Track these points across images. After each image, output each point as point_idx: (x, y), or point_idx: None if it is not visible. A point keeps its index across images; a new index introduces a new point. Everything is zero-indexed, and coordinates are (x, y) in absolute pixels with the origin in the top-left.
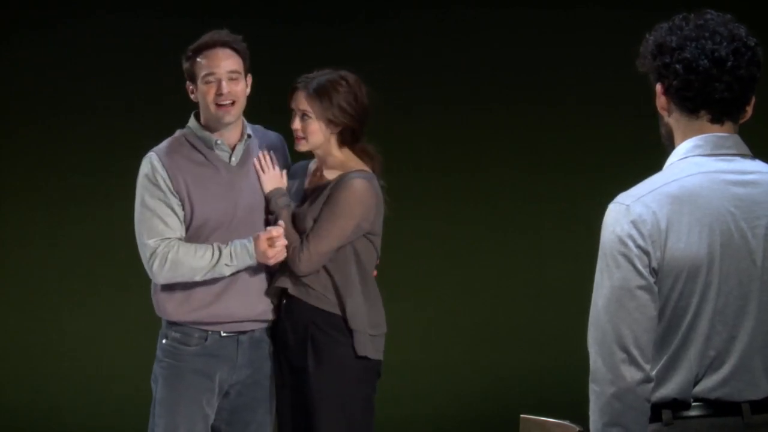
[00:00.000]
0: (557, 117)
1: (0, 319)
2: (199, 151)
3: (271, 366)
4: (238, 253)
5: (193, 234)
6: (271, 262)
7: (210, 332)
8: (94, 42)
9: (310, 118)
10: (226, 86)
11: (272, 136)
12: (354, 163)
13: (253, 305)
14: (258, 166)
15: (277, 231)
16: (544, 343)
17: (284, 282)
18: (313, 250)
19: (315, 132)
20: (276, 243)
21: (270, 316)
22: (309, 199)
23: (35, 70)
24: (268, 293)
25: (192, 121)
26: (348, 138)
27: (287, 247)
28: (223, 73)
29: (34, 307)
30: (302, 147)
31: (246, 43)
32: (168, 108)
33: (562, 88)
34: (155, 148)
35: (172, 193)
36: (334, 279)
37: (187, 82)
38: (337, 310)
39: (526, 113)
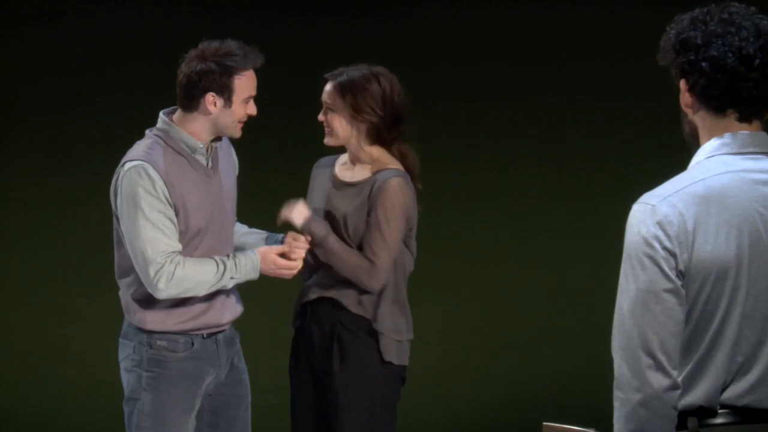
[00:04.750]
0: (579, 113)
1: (4, 323)
2: (182, 155)
3: (242, 357)
4: (242, 266)
5: (187, 244)
6: (283, 274)
7: (194, 336)
8: (97, 36)
9: (334, 112)
10: (255, 107)
11: (224, 138)
12: (387, 159)
13: (234, 307)
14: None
15: (302, 246)
16: (566, 347)
17: (314, 293)
18: (383, 264)
19: (338, 126)
20: (293, 256)
21: (240, 313)
22: (339, 193)
23: (36, 65)
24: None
25: (168, 123)
26: (376, 136)
27: (356, 268)
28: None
29: (38, 310)
30: (327, 141)
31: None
32: (175, 103)
33: (583, 84)
34: (138, 156)
35: (169, 203)
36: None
37: (211, 93)
38: (365, 313)
39: (546, 109)
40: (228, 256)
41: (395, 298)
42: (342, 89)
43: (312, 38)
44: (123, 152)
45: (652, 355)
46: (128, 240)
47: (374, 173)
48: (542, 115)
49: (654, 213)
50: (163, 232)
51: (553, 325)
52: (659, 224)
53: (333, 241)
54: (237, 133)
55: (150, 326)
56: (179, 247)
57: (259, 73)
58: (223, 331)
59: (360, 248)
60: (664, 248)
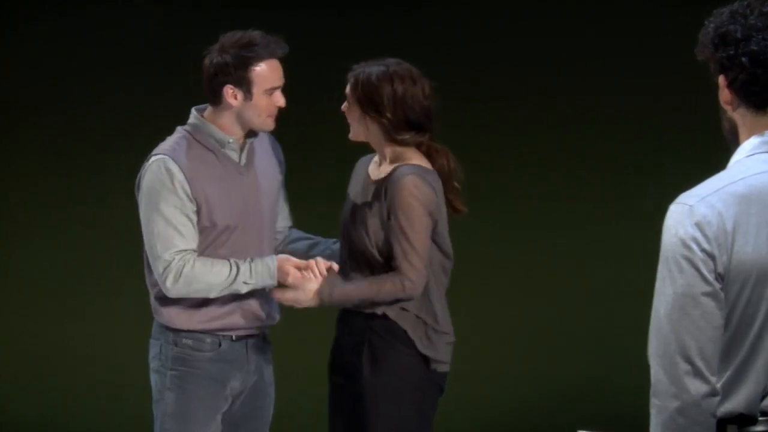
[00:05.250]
0: (610, 109)
1: (8, 326)
2: (211, 150)
3: (272, 371)
4: (258, 272)
5: (213, 241)
6: (294, 285)
7: (222, 337)
8: (99, 33)
9: (349, 106)
10: (284, 99)
11: (262, 134)
12: (408, 156)
13: (264, 311)
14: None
15: (314, 281)
16: (600, 351)
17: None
18: (417, 271)
19: (353, 121)
20: (313, 273)
21: (275, 319)
22: (365, 192)
23: (38, 63)
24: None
25: (198, 119)
26: (391, 133)
27: (391, 294)
28: (282, 85)
29: (37, 311)
30: (349, 135)
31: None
32: (177, 103)
33: (612, 78)
34: (163, 150)
35: (189, 199)
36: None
37: (229, 86)
38: (397, 317)
39: (573, 106)
40: (246, 259)
41: (429, 299)
42: (355, 83)
43: (312, 36)
44: (124, 151)
45: (690, 360)
46: (144, 235)
47: (391, 171)
48: (571, 112)
49: (692, 213)
50: (175, 228)
51: (586, 328)
52: (697, 225)
53: (353, 290)
54: (267, 125)
55: (176, 324)
56: (193, 245)
57: (284, 63)
58: (254, 336)
59: (380, 250)
60: (703, 250)
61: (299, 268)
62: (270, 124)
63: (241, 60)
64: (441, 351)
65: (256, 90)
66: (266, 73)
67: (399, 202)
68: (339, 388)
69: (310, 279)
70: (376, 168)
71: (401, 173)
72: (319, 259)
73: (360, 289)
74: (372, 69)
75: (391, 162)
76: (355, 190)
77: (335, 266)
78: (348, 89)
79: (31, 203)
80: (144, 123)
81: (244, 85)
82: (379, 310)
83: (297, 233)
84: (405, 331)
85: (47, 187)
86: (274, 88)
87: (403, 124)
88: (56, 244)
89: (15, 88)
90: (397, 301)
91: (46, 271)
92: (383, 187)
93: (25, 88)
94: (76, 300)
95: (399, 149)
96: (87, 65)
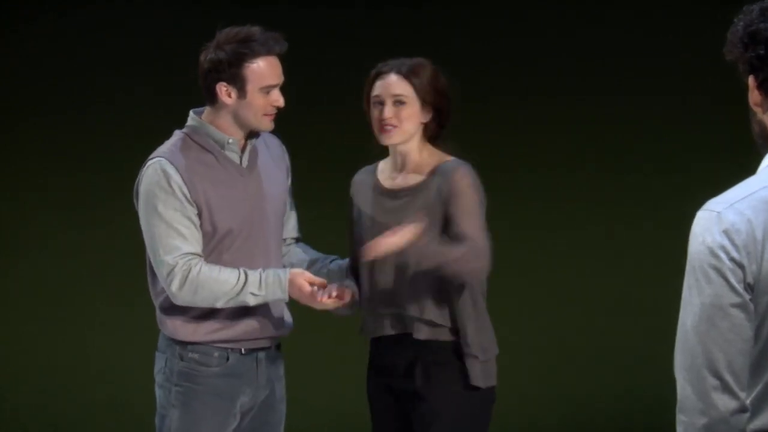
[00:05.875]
0: (637, 110)
1: (11, 334)
2: (210, 152)
3: (284, 386)
4: (269, 283)
5: (216, 246)
6: (309, 303)
7: (230, 350)
8: (99, 33)
9: (405, 103)
10: (282, 99)
11: (268, 137)
12: (441, 154)
13: (276, 320)
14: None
15: (329, 303)
16: (626, 366)
17: (391, 327)
18: (485, 243)
19: (410, 117)
20: (329, 294)
21: (288, 331)
22: (398, 202)
23: (38, 63)
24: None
25: (196, 120)
26: (433, 128)
27: (460, 259)
28: (279, 84)
29: (42, 319)
30: (394, 137)
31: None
32: (177, 103)
33: (642, 79)
34: (160, 153)
35: (188, 201)
36: (452, 304)
37: (223, 83)
38: (448, 336)
39: (602, 106)
40: (256, 270)
41: (474, 309)
42: (413, 74)
43: (312, 36)
44: (124, 151)
45: (718, 375)
46: (145, 240)
47: (434, 169)
48: (599, 112)
49: (720, 221)
50: (177, 231)
51: (612, 343)
52: (725, 233)
53: (428, 247)
54: (264, 126)
55: (181, 336)
56: (197, 249)
57: (284, 60)
58: (265, 348)
59: None
60: (731, 259)
61: (313, 284)
62: (268, 124)
63: (235, 56)
64: (490, 372)
65: (251, 88)
66: (261, 70)
67: (463, 188)
68: (389, 412)
69: (321, 301)
70: (397, 176)
71: (455, 164)
72: (335, 286)
73: (434, 243)
74: (409, 61)
75: (424, 165)
76: (372, 206)
77: (349, 295)
78: (396, 87)
79: (32, 203)
80: (144, 123)
81: (238, 82)
82: (432, 335)
83: (298, 252)
84: (455, 344)
85: (48, 187)
86: (270, 86)
87: (447, 120)
88: (56, 243)
89: (15, 88)
90: (464, 274)
91: (48, 277)
92: (434, 185)
93: (25, 88)
94: (80, 307)
95: (429, 149)
96: (87, 65)
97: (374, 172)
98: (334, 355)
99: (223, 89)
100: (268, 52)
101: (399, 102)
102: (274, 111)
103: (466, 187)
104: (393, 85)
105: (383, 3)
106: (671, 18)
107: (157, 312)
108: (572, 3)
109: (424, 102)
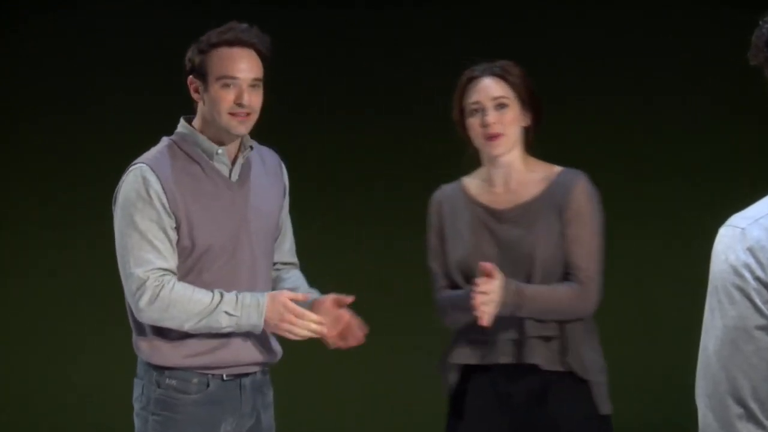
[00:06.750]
0: (661, 117)
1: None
2: (197, 162)
3: (272, 415)
4: (246, 304)
5: (195, 264)
6: (290, 330)
7: (211, 375)
8: (99, 33)
9: (506, 105)
10: (247, 96)
11: (266, 151)
12: (548, 163)
13: (262, 345)
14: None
15: (316, 327)
16: (648, 391)
17: (500, 356)
18: (597, 279)
19: (513, 121)
20: (308, 324)
21: (276, 358)
22: (506, 225)
23: (38, 63)
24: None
25: (185, 127)
26: (530, 135)
27: (567, 302)
28: (245, 80)
29: (22, 344)
30: (502, 145)
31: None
32: (177, 103)
33: (641, 79)
34: (143, 159)
35: (167, 212)
36: (564, 329)
37: (191, 77)
38: (564, 366)
39: (573, 106)
40: (233, 291)
41: (586, 329)
42: (510, 75)
43: (312, 36)
44: (123, 154)
45: (742, 403)
46: (117, 249)
47: (545, 182)
48: (620, 117)
49: (744, 237)
50: (151, 244)
51: (629, 370)
52: (750, 250)
53: (530, 291)
54: (231, 126)
55: (157, 360)
56: (170, 265)
57: (274, 61)
58: (250, 374)
59: (565, 264)
60: (756, 278)
61: (296, 301)
62: (235, 126)
63: (201, 48)
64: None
65: (211, 79)
66: (220, 58)
67: (581, 210)
68: None
69: (303, 324)
70: (488, 191)
71: (573, 176)
72: (313, 315)
73: (535, 289)
74: (508, 62)
75: (533, 174)
76: (477, 230)
77: (360, 340)
78: (495, 90)
79: (32, 204)
80: (144, 123)
81: (202, 73)
82: (550, 362)
83: (292, 279)
84: (574, 373)
85: (48, 187)
86: (227, 77)
87: (540, 124)
88: (57, 244)
89: (15, 88)
90: (570, 316)
91: (46, 276)
92: (554, 199)
93: (25, 88)
94: (62, 334)
95: (532, 159)
96: (87, 65)
97: (461, 189)
98: (328, 381)
99: (192, 84)
100: (232, 43)
101: (501, 105)
102: (242, 111)
103: (587, 206)
104: (491, 87)
105: (383, 3)
106: (671, 18)
107: (133, 335)
108: (572, 3)
109: (523, 103)
